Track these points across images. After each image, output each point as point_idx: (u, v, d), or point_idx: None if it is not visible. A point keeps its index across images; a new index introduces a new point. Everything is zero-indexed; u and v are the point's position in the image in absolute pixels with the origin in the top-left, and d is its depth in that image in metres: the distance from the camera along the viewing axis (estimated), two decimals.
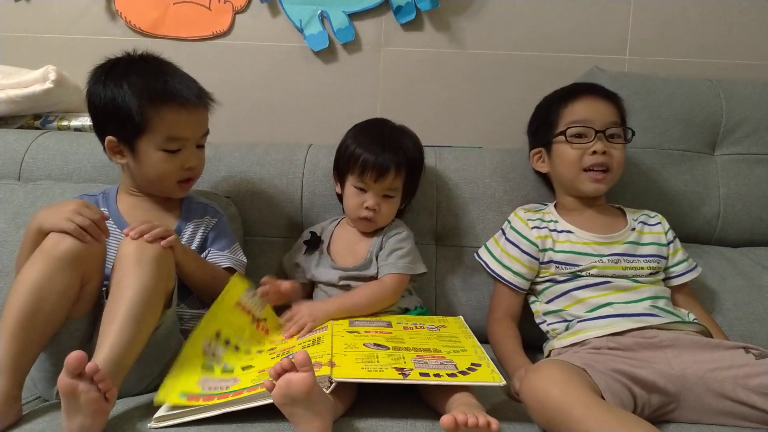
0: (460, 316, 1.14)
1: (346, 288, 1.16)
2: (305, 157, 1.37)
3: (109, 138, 1.04)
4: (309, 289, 1.22)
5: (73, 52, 1.58)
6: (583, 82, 1.28)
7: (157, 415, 0.82)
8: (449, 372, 0.86)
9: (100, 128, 1.07)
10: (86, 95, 1.06)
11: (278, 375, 0.75)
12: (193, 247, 1.11)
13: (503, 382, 0.84)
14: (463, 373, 0.86)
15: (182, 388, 0.85)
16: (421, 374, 0.84)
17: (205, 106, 1.09)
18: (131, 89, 1.01)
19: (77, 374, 0.71)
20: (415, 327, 1.05)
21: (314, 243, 1.22)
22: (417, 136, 1.23)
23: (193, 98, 1.05)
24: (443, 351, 0.93)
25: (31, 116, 1.53)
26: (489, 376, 0.86)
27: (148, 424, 0.81)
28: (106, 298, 0.89)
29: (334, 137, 1.25)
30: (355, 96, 1.61)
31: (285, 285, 1.08)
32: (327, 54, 1.60)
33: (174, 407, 0.83)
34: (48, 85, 1.46)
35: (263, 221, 1.34)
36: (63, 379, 0.71)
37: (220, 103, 1.13)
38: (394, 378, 0.83)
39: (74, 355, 0.71)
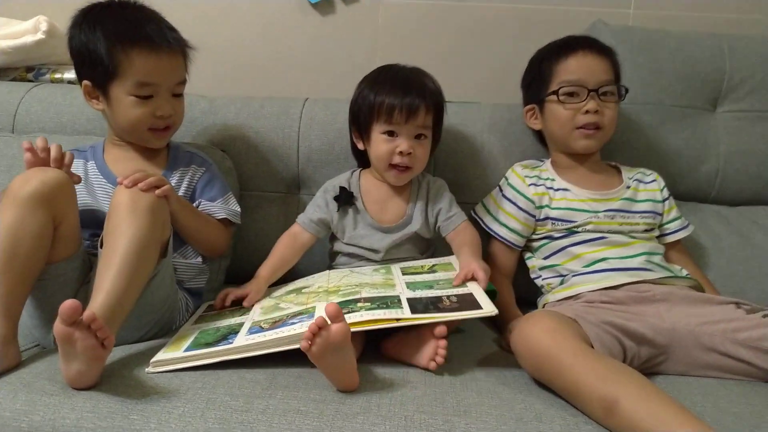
0: (453, 256, 1.11)
1: (386, 261, 1.12)
2: (301, 111, 1.35)
3: (85, 82, 1.05)
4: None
5: (64, 2, 1.53)
6: (576, 36, 1.23)
7: (154, 359, 0.84)
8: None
9: (78, 73, 1.07)
10: (67, 39, 1.05)
11: (314, 335, 0.74)
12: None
13: (496, 311, 0.84)
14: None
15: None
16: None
17: (180, 53, 1.07)
18: (103, 33, 1.00)
19: (72, 322, 0.71)
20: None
21: (346, 199, 1.14)
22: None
23: (164, 42, 1.02)
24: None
25: (24, 69, 1.51)
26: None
27: (145, 369, 0.83)
28: (101, 247, 0.89)
29: (331, 92, 1.22)
30: (353, 50, 1.57)
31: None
32: (324, 5, 1.56)
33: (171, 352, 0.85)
34: (39, 36, 1.44)
35: (259, 175, 1.34)
36: (59, 327, 0.71)
37: (197, 49, 1.10)
38: (390, 322, 0.83)
39: (68, 304, 0.70)
